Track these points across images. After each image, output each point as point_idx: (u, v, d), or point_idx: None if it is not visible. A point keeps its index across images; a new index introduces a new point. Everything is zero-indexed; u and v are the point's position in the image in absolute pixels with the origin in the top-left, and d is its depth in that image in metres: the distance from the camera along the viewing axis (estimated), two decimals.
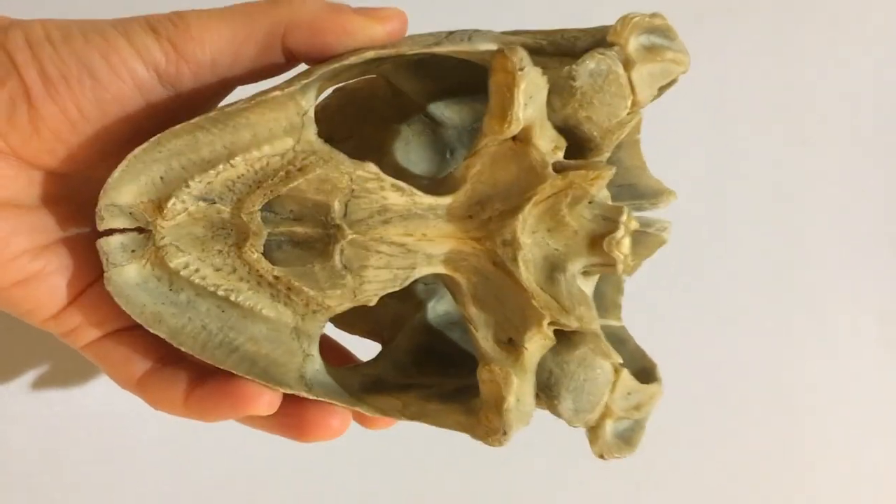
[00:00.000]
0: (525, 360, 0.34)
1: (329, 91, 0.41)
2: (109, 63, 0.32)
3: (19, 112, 0.31)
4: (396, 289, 0.36)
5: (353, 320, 0.42)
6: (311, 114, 0.35)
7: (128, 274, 0.35)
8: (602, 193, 0.36)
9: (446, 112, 0.41)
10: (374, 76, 0.39)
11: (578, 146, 0.34)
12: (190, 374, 0.36)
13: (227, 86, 0.35)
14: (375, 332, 0.42)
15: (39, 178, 0.34)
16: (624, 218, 0.35)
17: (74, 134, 0.32)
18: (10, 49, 0.31)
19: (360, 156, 0.40)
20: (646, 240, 0.41)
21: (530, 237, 0.34)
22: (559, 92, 0.33)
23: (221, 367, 0.34)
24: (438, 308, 0.42)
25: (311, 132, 0.35)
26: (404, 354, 0.40)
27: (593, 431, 0.36)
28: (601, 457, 0.36)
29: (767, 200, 0.62)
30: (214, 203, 0.35)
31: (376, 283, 0.35)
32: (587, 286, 0.36)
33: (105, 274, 0.34)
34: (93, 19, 0.33)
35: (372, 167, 0.35)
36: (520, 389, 0.33)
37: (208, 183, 0.35)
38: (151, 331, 0.35)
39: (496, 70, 0.31)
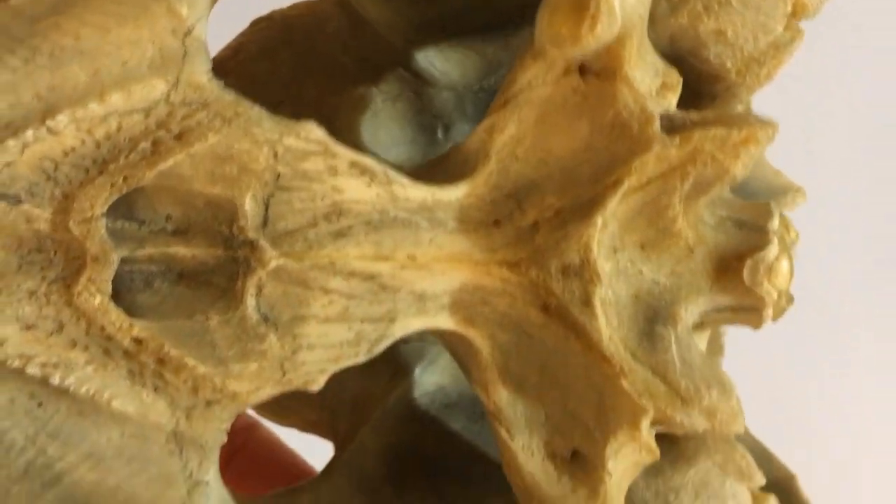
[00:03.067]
0: (607, 493, 0.18)
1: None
2: None
3: None
4: (360, 360, 0.19)
5: (285, 403, 0.26)
6: (202, 33, 0.19)
7: None
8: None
9: (438, 62, 0.25)
10: None
11: (691, 89, 0.19)
12: None
13: None
14: (324, 423, 0.26)
15: None
16: (775, 224, 0.19)
17: None
18: None
19: None
20: None
21: (610, 258, 0.18)
22: None
23: None
24: (426, 380, 0.26)
25: (202, 68, 0.19)
26: (374, 462, 0.24)
27: None
28: None
29: None
30: (20, 202, 0.19)
31: (323, 350, 0.19)
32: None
33: None
34: None
35: (315, 131, 0.19)
36: None
37: (7, 164, 0.18)
38: None
39: None
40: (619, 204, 0.18)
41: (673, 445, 0.20)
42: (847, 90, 0.54)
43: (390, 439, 0.25)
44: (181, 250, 0.19)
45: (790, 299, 0.20)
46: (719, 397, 0.18)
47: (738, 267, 0.19)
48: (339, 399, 0.26)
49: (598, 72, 0.17)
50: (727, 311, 0.19)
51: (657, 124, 0.17)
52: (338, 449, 0.25)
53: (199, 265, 0.20)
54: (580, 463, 0.18)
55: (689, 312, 0.19)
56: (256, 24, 0.24)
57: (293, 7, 0.24)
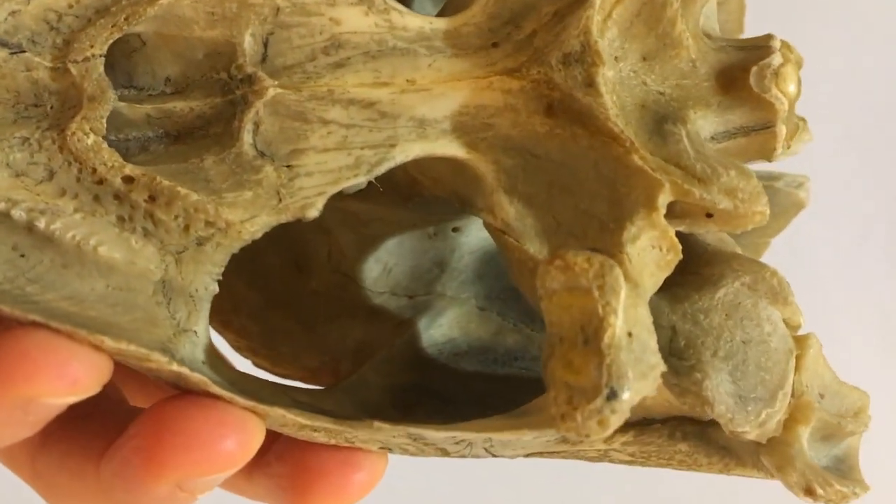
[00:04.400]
0: (628, 270, 0.16)
1: None
2: None
3: None
4: (360, 180, 0.19)
5: (283, 347, 0.24)
6: None
7: None
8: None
9: (434, 11, 0.26)
10: None
11: None
12: None
13: None
14: (325, 367, 0.24)
15: None
16: (776, 42, 0.19)
17: None
18: None
19: None
20: (776, 199, 0.25)
21: (613, 67, 0.18)
22: None
23: None
24: (435, 332, 0.24)
25: None
26: (377, 395, 0.22)
27: (779, 447, 0.17)
28: (809, 493, 0.17)
29: None
30: (22, 52, 0.19)
31: (321, 175, 0.19)
32: None
33: None
34: None
35: None
36: (631, 309, 0.15)
37: (12, 13, 0.19)
38: None
39: None
40: (618, 2, 0.18)
41: (697, 276, 0.18)
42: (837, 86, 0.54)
43: (396, 378, 0.23)
44: (179, 105, 0.19)
45: (804, 122, 0.19)
46: (738, 177, 0.17)
47: (743, 77, 0.18)
48: (342, 346, 0.24)
49: None
50: (740, 134, 0.19)
51: None
52: (339, 382, 0.23)
53: (196, 119, 0.19)
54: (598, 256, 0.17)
55: (699, 117, 0.18)
56: None
57: None
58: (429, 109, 0.19)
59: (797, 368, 0.18)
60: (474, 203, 0.19)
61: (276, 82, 0.19)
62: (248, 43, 0.19)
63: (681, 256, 0.17)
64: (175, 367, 0.16)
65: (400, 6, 0.19)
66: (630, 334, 0.15)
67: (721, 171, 0.17)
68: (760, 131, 0.19)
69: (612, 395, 0.14)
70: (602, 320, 0.15)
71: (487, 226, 0.18)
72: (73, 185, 0.18)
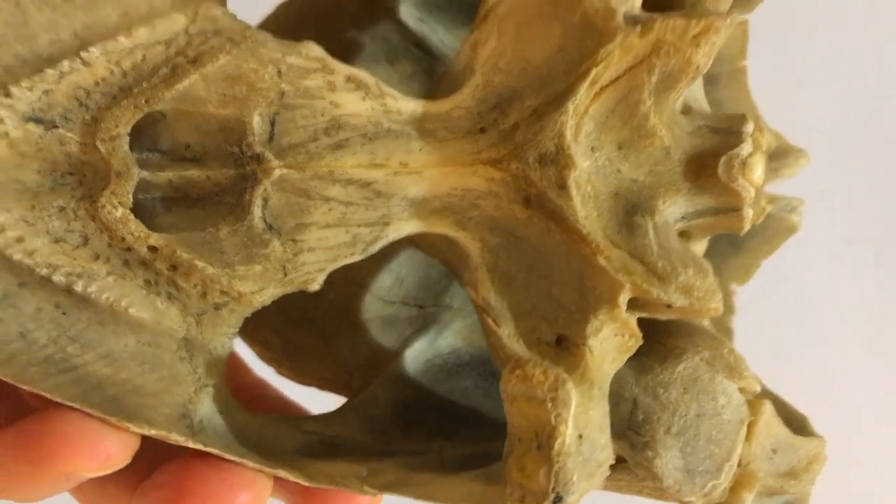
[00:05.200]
0: (587, 367, 0.18)
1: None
2: None
3: None
4: (356, 258, 0.21)
5: (301, 361, 0.27)
6: None
7: None
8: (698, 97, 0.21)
9: (448, 39, 0.27)
10: None
11: None
12: None
13: None
14: (339, 380, 0.27)
15: None
16: (749, 127, 0.20)
17: None
18: None
19: None
20: (769, 223, 0.26)
21: (588, 157, 0.19)
22: None
23: (35, 391, 0.19)
24: (441, 343, 0.27)
25: (217, 3, 0.21)
26: (384, 410, 0.25)
27: None
28: None
29: None
30: (55, 128, 0.21)
31: (322, 252, 0.21)
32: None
33: None
34: None
35: (314, 49, 0.20)
36: (583, 414, 0.17)
37: (45, 92, 0.21)
38: None
39: None
40: (593, 101, 0.19)
41: (661, 346, 0.20)
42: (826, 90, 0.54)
43: (402, 394, 0.25)
44: (196, 173, 0.21)
45: (770, 200, 0.20)
46: (696, 275, 0.19)
47: (713, 164, 0.20)
48: (355, 359, 0.26)
49: None
50: (709, 214, 0.20)
51: (620, 17, 0.18)
52: (350, 398, 0.25)
53: (212, 187, 0.21)
54: (564, 345, 0.19)
55: (668, 205, 0.19)
56: (280, 6, 0.27)
57: None
58: (420, 190, 0.20)
59: (749, 435, 0.20)
60: (462, 276, 0.21)
61: (282, 163, 0.20)
62: (257, 122, 0.21)
63: (641, 342, 0.19)
64: (191, 444, 0.19)
65: (394, 92, 0.20)
66: (581, 436, 0.17)
67: (680, 269, 0.19)
68: (728, 213, 0.20)
69: (558, 500, 0.16)
70: (554, 429, 0.17)
71: (472, 301, 0.20)
72: (105, 250, 0.21)
